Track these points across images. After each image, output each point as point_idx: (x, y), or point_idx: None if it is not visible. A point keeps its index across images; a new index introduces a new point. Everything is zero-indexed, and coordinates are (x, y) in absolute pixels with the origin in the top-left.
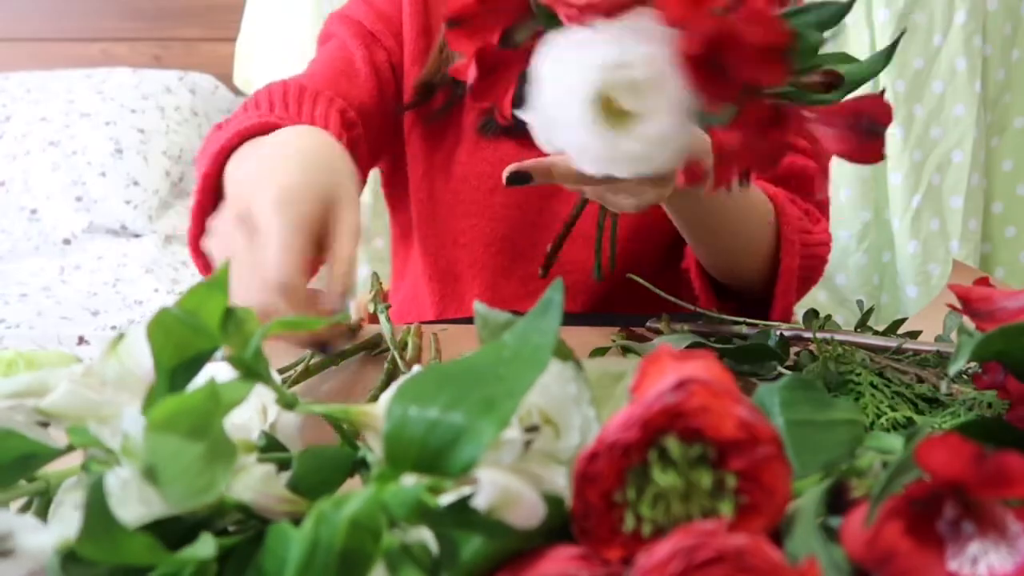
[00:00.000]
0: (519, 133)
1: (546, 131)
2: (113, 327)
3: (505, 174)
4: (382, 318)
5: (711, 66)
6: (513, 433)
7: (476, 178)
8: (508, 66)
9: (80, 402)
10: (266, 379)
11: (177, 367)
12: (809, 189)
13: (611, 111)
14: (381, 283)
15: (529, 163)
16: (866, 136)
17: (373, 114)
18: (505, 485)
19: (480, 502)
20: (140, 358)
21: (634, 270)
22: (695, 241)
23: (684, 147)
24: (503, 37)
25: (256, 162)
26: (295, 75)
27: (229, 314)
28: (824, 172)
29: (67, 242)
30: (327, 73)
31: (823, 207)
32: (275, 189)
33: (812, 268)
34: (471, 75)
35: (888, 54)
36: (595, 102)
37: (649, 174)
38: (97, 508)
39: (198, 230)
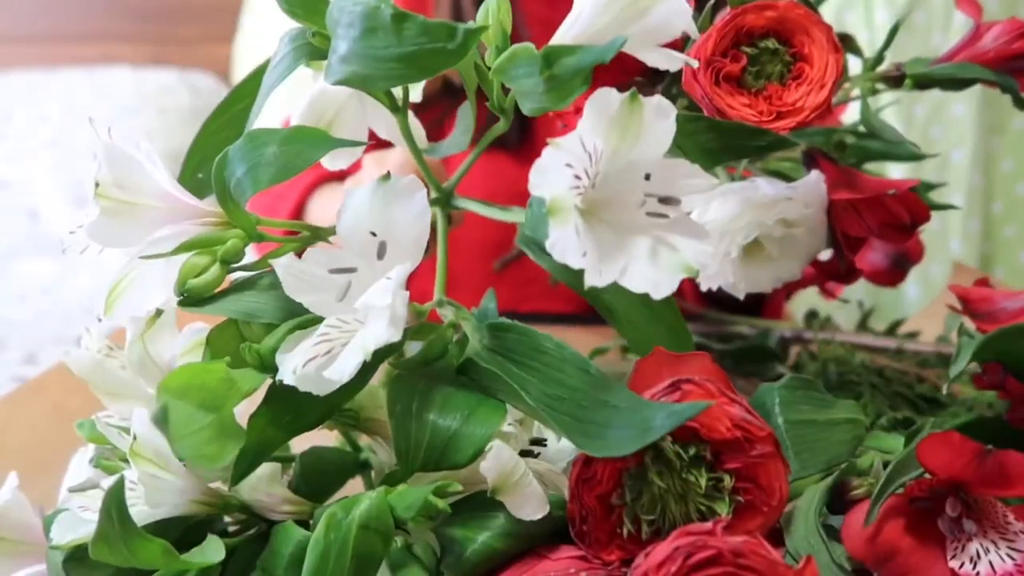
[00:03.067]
0: (514, 146)
1: None
2: None
3: None
4: None
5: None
6: (511, 428)
7: (470, 188)
8: None
9: (102, 372)
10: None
11: None
12: None
13: (753, 247)
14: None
15: None
16: (895, 267)
17: None
18: (510, 459)
19: (487, 470)
20: (162, 348)
21: None
22: None
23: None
24: None
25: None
26: None
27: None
28: None
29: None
30: None
31: None
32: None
33: None
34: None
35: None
36: (750, 246)
37: None
38: (114, 512)
39: None
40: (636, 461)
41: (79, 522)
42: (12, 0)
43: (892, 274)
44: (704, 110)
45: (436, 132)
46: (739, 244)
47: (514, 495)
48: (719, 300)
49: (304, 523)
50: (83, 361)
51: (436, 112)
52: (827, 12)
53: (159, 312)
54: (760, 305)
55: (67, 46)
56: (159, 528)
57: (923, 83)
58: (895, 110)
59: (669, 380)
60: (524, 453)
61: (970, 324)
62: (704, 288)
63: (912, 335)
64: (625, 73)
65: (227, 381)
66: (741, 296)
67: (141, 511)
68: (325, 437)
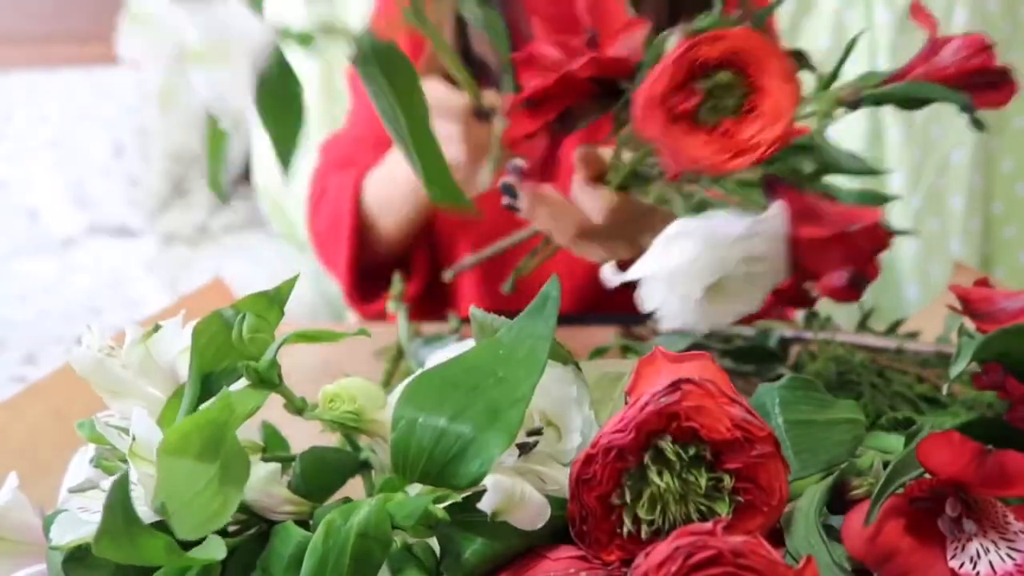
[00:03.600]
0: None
1: (647, 287)
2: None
3: (501, 182)
4: (400, 316)
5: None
6: (510, 459)
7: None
8: (557, 147)
9: (103, 371)
10: (278, 387)
11: (213, 373)
12: None
13: (711, 286)
14: (403, 284)
15: (527, 187)
16: (852, 286)
17: None
18: (510, 488)
19: (486, 506)
20: (165, 351)
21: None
22: None
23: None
24: (562, 117)
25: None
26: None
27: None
28: None
29: (67, 242)
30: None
31: None
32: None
33: None
34: (535, 151)
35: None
36: (712, 285)
37: None
38: (119, 508)
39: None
40: (636, 461)
41: (79, 522)
42: (12, 0)
43: (849, 292)
44: (659, 149)
45: None
46: (705, 284)
47: (515, 514)
48: None
49: (304, 523)
50: (84, 360)
51: None
52: (827, 12)
53: (157, 327)
54: None
55: (67, 46)
56: (159, 528)
57: (879, 101)
58: (895, 111)
59: (669, 380)
60: (522, 447)
61: (970, 324)
62: (665, 328)
63: (912, 335)
64: (576, 95)
65: (226, 407)
66: (698, 329)
67: (141, 511)
68: (325, 437)
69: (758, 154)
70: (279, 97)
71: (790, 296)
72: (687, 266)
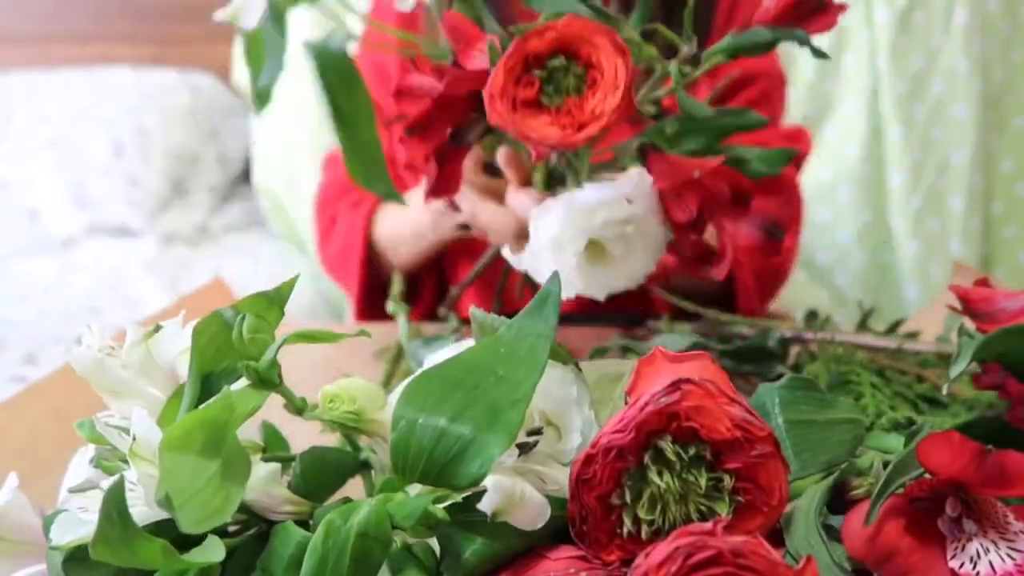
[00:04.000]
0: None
1: (533, 263)
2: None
3: (447, 201)
4: (401, 318)
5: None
6: (509, 459)
7: None
8: (457, 161)
9: (103, 371)
10: (278, 387)
11: (213, 373)
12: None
13: (596, 250)
14: (403, 285)
15: (468, 194)
16: (769, 236)
17: None
18: (510, 488)
19: (486, 506)
20: (165, 351)
21: None
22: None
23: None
24: (453, 135)
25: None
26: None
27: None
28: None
29: (67, 242)
30: None
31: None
32: None
33: (774, 275)
34: (430, 172)
35: (788, 155)
36: (585, 247)
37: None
38: (114, 512)
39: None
40: (636, 461)
41: (79, 522)
42: (12, 0)
43: (767, 246)
44: (513, 135)
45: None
46: (576, 252)
47: (516, 515)
48: (688, 294)
49: (304, 523)
50: (84, 360)
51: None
52: None
53: (157, 327)
54: (732, 298)
55: (67, 46)
56: (159, 528)
57: (732, 53)
58: (895, 111)
59: (669, 380)
60: (522, 447)
61: (970, 324)
62: (564, 296)
63: (912, 335)
64: (459, 113)
65: (227, 407)
66: (601, 298)
67: (141, 511)
68: (325, 437)
69: (603, 122)
70: None
71: (698, 255)
72: (556, 237)
